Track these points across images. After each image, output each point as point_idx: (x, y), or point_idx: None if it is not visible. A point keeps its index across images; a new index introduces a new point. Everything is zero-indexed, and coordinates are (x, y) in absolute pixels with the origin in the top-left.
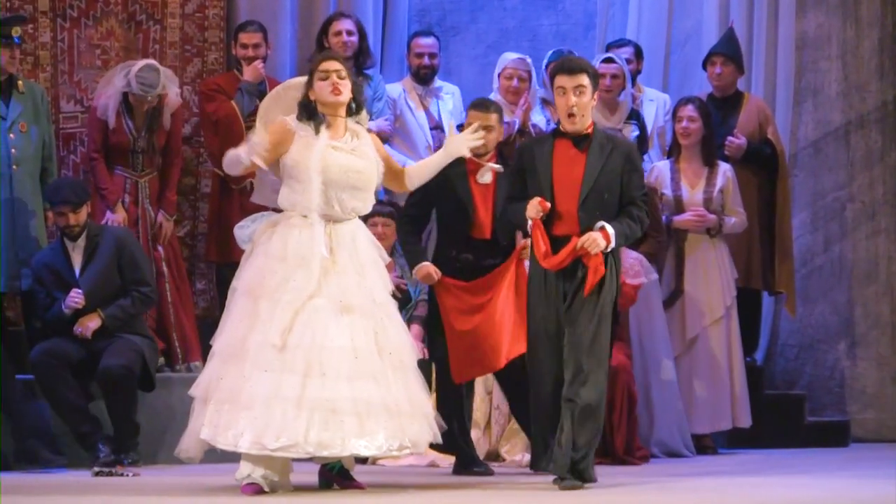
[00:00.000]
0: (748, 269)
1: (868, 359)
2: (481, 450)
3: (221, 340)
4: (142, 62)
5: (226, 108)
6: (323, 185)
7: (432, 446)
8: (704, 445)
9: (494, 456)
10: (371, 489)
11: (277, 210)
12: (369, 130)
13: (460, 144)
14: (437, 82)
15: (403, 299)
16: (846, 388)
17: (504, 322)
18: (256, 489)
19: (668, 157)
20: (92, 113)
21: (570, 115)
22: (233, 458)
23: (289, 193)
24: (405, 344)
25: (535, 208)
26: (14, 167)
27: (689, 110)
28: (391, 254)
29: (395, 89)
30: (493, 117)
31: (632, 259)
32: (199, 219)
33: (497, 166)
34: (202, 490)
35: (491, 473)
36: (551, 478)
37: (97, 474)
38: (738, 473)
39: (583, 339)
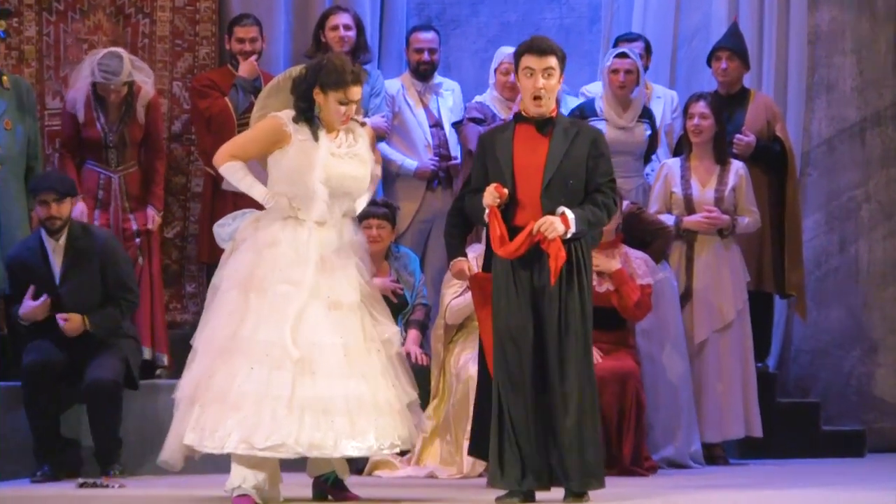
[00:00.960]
0: (759, 272)
1: (886, 365)
2: None
3: (206, 337)
4: (104, 50)
5: (219, 105)
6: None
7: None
8: (715, 455)
9: None
10: (367, 501)
11: (258, 207)
12: (363, 124)
13: None
14: (437, 78)
15: (399, 304)
16: (862, 396)
17: None
18: (249, 501)
19: (678, 155)
20: (63, 108)
21: (536, 98)
22: (222, 468)
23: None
24: (393, 336)
25: (491, 195)
26: None
27: (700, 107)
28: (386, 256)
29: (393, 85)
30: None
31: (637, 259)
32: (190, 219)
33: None
34: (191, 501)
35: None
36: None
37: (82, 486)
38: (749, 485)
39: (569, 357)
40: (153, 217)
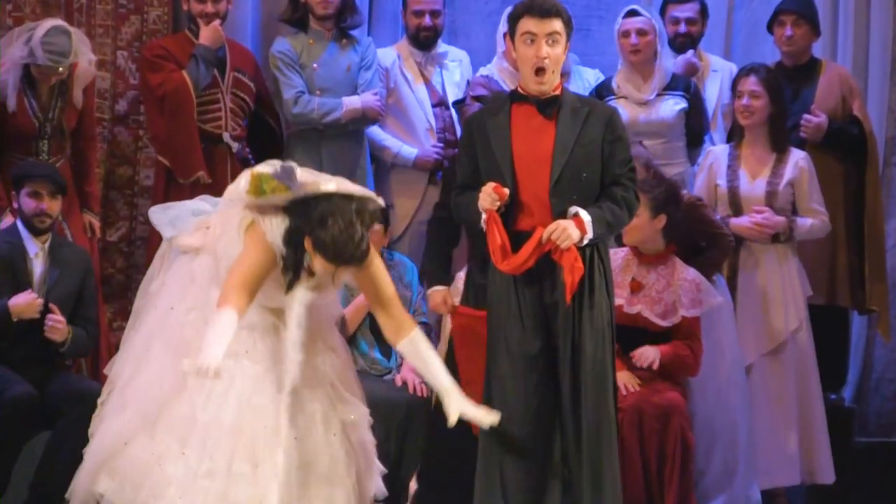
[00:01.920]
0: (832, 283)
1: None
2: None
3: (136, 387)
4: (47, 24)
5: (175, 80)
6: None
7: None
8: None
9: None
10: None
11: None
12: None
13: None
14: (441, 47)
15: None
16: None
17: None
18: None
19: (728, 142)
20: None
21: (539, 71)
22: None
23: None
24: (359, 418)
25: (489, 197)
26: None
27: (751, 83)
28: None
29: (388, 56)
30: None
31: (685, 282)
32: (138, 219)
33: None
34: None
35: None
36: None
37: None
38: None
39: (588, 395)
40: (91, 223)
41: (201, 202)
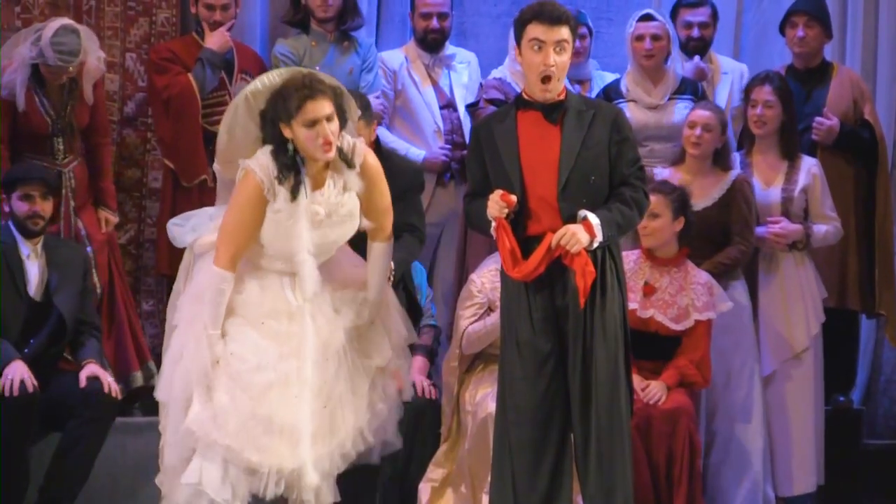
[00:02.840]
0: (842, 286)
1: None
2: None
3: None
4: (55, 23)
5: (181, 83)
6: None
7: None
8: None
9: None
10: None
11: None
12: (351, 165)
13: None
14: (449, 49)
15: None
16: None
17: None
18: None
19: (740, 149)
20: None
21: (546, 79)
22: None
23: (254, 254)
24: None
25: (497, 205)
26: None
27: (766, 92)
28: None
29: (395, 58)
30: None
31: (698, 286)
32: (146, 221)
33: None
34: None
35: None
36: None
37: None
38: None
39: (599, 400)
40: (107, 219)
41: (219, 209)
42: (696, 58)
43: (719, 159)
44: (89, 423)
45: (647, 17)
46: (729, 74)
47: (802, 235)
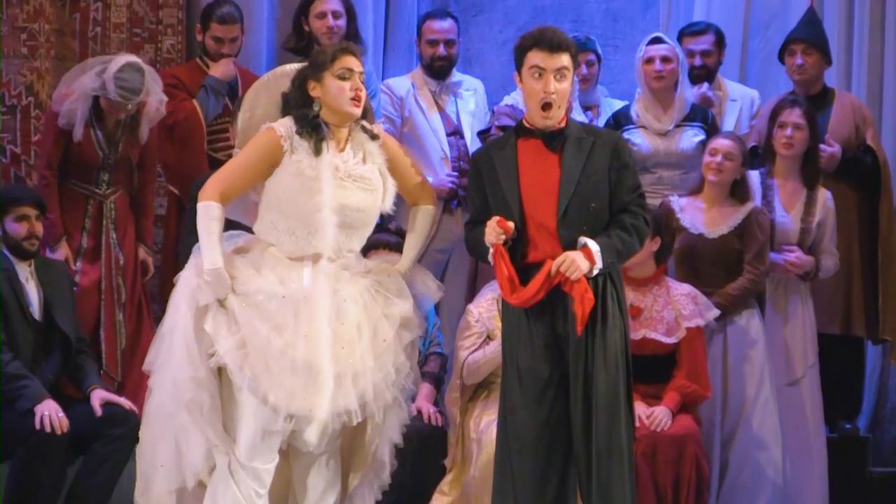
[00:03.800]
0: (847, 312)
1: None
2: None
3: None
4: (121, 59)
5: (185, 109)
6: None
7: None
8: None
9: None
10: None
11: (241, 226)
12: (375, 136)
13: None
14: (456, 76)
15: None
16: None
17: None
18: None
19: (759, 168)
20: (50, 119)
21: (547, 106)
22: None
23: (270, 229)
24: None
25: (494, 231)
26: None
27: (796, 115)
28: None
29: (402, 85)
30: (566, 58)
31: (682, 297)
32: (152, 248)
33: None
34: None
35: None
36: None
37: None
38: None
39: (599, 426)
40: (145, 259)
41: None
42: (705, 84)
43: (737, 191)
44: (116, 441)
45: (657, 41)
46: (738, 101)
47: (813, 267)
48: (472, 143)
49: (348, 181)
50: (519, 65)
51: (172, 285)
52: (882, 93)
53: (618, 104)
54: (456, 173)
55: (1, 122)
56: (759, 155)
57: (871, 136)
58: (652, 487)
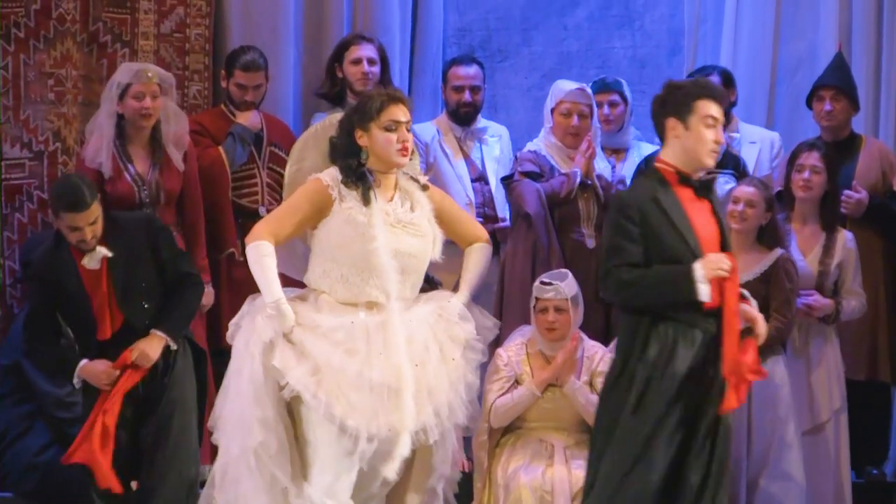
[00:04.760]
0: (872, 358)
1: None
2: None
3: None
4: (134, 66)
5: (211, 156)
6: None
7: None
8: None
9: None
10: None
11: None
12: (426, 187)
13: None
14: (481, 122)
15: None
16: None
17: None
18: None
19: (780, 213)
20: (79, 165)
21: (713, 153)
22: None
23: (322, 277)
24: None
25: (717, 265)
26: None
27: (814, 158)
28: None
29: (427, 131)
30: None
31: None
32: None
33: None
34: None
35: None
36: None
37: None
38: None
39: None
40: (208, 294)
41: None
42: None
43: (765, 237)
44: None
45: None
46: (757, 143)
47: (833, 310)
48: (497, 190)
49: (399, 227)
50: (684, 112)
51: (200, 333)
52: None
53: (647, 148)
54: (481, 219)
55: (28, 167)
56: (782, 199)
57: None
58: None
